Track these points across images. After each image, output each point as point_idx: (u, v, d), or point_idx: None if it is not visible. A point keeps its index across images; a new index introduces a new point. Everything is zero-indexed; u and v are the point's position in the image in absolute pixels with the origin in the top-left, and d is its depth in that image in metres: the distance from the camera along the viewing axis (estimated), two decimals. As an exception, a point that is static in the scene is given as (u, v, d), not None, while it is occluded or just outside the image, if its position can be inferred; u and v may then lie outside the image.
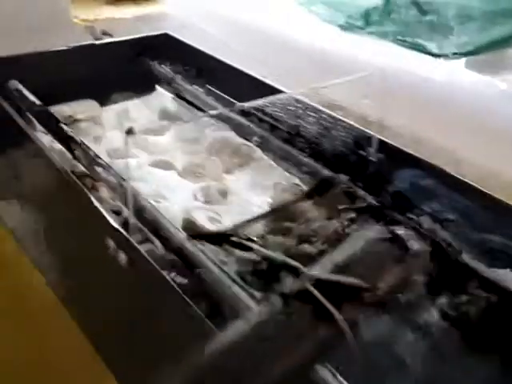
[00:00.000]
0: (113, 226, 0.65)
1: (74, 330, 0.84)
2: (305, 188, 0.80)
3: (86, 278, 0.80)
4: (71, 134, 0.91)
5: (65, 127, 0.91)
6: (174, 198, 0.79)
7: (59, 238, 0.88)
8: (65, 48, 1.13)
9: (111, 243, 0.65)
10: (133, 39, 1.19)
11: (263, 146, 0.86)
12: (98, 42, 1.15)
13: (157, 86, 1.17)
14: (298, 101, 0.76)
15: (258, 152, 0.87)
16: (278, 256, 0.55)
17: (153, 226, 0.69)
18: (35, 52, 1.11)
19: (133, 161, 0.90)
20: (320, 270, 0.50)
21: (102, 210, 0.68)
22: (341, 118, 0.78)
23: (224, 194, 0.80)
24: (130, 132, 0.59)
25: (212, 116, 0.89)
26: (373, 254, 0.54)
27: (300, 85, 0.75)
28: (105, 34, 1.29)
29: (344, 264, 0.51)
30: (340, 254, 0.53)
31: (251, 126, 0.86)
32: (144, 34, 1.20)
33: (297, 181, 0.81)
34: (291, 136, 0.80)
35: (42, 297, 0.91)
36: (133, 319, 0.66)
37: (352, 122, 0.77)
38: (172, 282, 0.55)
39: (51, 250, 0.93)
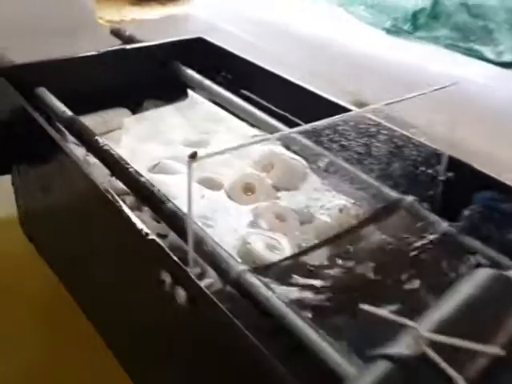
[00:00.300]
0: (169, 258, 0.58)
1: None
2: (367, 210, 0.73)
3: (131, 319, 0.74)
4: (107, 147, 0.84)
5: (100, 139, 0.85)
6: (225, 221, 0.72)
7: (98, 269, 0.81)
8: (94, 53, 1.06)
9: (166, 277, 0.58)
10: (165, 43, 1.12)
11: (320, 163, 0.79)
12: (128, 47, 1.08)
13: (191, 93, 1.10)
14: (365, 118, 0.69)
15: (314, 169, 0.80)
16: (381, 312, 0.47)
17: (210, 257, 0.62)
18: (63, 58, 1.04)
19: (175, 178, 0.83)
20: (434, 327, 0.43)
21: (154, 237, 0.62)
22: (412, 136, 0.71)
23: (280, 216, 0.73)
24: (193, 157, 0.52)
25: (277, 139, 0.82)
26: (489, 305, 0.46)
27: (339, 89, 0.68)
28: (131, 38, 1.22)
29: (458, 318, 0.44)
30: (449, 306, 0.46)
31: (308, 143, 0.79)
32: (177, 38, 1.13)
33: (359, 203, 0.74)
34: (353, 155, 0.73)
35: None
36: (193, 365, 0.60)
37: (425, 141, 0.70)
38: (255, 341, 0.48)
39: (89, 282, 0.86)
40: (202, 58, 1.13)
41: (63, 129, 0.92)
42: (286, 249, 0.68)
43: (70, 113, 0.92)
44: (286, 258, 0.65)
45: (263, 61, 1.07)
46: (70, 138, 0.93)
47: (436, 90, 0.65)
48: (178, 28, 1.38)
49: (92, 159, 0.87)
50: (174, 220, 0.69)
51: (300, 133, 0.67)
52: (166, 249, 0.58)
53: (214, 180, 0.81)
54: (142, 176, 0.77)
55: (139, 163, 0.87)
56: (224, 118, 1.05)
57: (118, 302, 0.77)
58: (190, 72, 1.10)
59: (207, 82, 1.06)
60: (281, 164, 0.80)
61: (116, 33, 1.29)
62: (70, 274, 0.95)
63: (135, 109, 1.10)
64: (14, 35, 1.26)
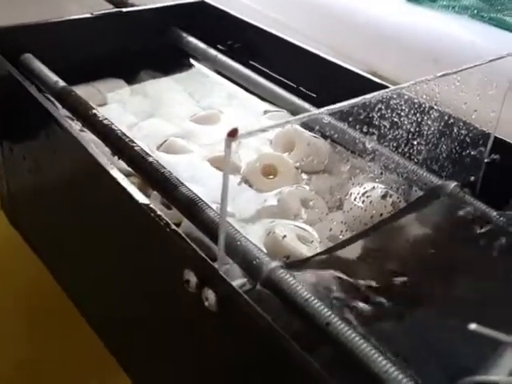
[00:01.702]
0: (195, 254, 0.50)
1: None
2: (405, 197, 0.66)
3: (143, 325, 0.66)
4: (107, 121, 0.75)
5: (98, 113, 0.75)
6: (245, 209, 0.64)
7: (100, 263, 0.73)
8: (87, 16, 0.95)
9: (191, 277, 0.50)
10: (164, 7, 1.02)
11: (349, 144, 0.71)
12: (125, 10, 0.98)
13: (193, 62, 1.01)
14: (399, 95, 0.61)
15: (339, 149, 0.72)
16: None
17: (237, 253, 0.54)
18: (51, 21, 0.93)
19: (184, 157, 0.74)
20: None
21: (176, 228, 0.53)
22: (454, 115, 0.64)
23: (307, 203, 0.65)
24: (233, 134, 0.43)
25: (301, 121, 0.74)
26: None
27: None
28: (124, 1, 1.12)
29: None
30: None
31: (334, 122, 0.71)
32: (177, 1, 1.03)
33: (394, 190, 0.66)
34: (388, 136, 0.65)
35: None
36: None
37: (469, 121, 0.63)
38: (298, 349, 0.41)
39: (89, 278, 0.78)
40: (205, 24, 1.03)
41: (55, 100, 0.83)
42: (317, 240, 0.61)
43: (62, 83, 0.82)
44: (321, 252, 0.57)
45: (274, 27, 0.98)
46: (63, 111, 0.83)
47: (491, 61, 0.57)
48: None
49: (89, 135, 0.78)
50: (189, 207, 0.61)
51: (331, 113, 0.59)
52: (192, 243, 0.50)
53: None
54: (149, 156, 0.68)
55: (142, 141, 0.78)
56: (231, 91, 0.96)
57: (126, 303, 0.69)
58: (192, 40, 1.00)
59: (212, 51, 0.96)
60: (303, 143, 0.72)
61: (107, -5, 1.19)
62: (63, 266, 0.87)
63: (131, 80, 1.00)
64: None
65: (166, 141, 0.76)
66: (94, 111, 0.75)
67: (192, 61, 1.02)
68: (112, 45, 0.98)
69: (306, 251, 0.58)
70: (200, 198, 0.60)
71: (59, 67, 0.88)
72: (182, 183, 0.63)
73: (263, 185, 0.68)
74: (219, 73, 0.98)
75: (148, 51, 1.01)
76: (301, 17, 1.13)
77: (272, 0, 1.18)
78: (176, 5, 1.03)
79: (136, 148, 0.69)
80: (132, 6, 1.11)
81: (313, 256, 0.57)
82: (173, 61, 1.01)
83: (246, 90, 0.93)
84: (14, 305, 0.92)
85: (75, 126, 0.78)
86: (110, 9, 1.04)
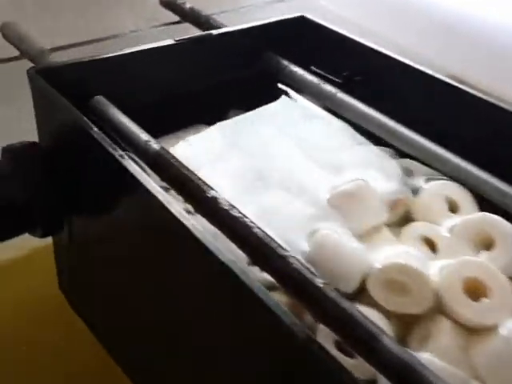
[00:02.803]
0: None
1: None
2: None
3: None
4: (223, 201, 0.55)
5: (220, 197, 0.55)
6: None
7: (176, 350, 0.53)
8: (167, 43, 0.75)
9: None
10: (258, 27, 0.81)
11: None
12: (214, 33, 0.77)
13: (295, 96, 0.80)
14: None
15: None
16: None
17: None
18: (123, 53, 0.72)
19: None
20: None
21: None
22: None
23: None
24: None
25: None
26: None
27: None
28: (194, 12, 0.90)
29: None
30: None
31: None
32: (270, 19, 0.82)
33: None
34: None
35: None
36: None
37: None
38: None
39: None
40: (307, 47, 0.82)
41: (144, 165, 0.62)
42: None
43: (155, 145, 0.61)
44: None
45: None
46: (153, 178, 0.63)
47: None
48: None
49: (199, 219, 0.58)
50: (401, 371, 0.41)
51: None
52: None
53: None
54: (310, 273, 0.48)
55: (271, 229, 0.58)
56: (358, 141, 0.76)
57: None
58: (297, 70, 0.79)
59: (327, 88, 0.75)
60: (508, 242, 0.53)
61: (168, 3, 0.98)
62: (122, 346, 0.68)
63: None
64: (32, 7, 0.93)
65: (315, 232, 0.56)
66: (211, 193, 0.55)
67: (292, 93, 0.81)
68: (195, 77, 0.78)
69: None
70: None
71: (133, 108, 0.69)
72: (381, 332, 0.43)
73: (468, 310, 0.48)
74: (328, 109, 0.77)
75: (238, 83, 0.80)
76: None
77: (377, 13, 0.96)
78: (269, 23, 0.82)
79: (284, 254, 0.50)
80: (200, 16, 0.91)
81: None
82: (269, 96, 0.80)
83: (374, 138, 0.73)
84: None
85: (178, 205, 0.58)
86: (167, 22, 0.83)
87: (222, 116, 0.78)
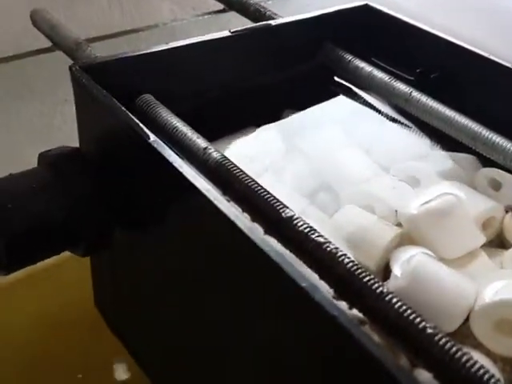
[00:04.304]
0: None
1: None
2: None
3: None
4: (291, 213, 0.47)
5: (295, 216, 0.47)
6: None
7: None
8: (222, 35, 0.67)
9: None
10: (316, 17, 0.72)
11: None
12: (275, 23, 0.69)
13: (360, 93, 0.72)
14: None
15: None
16: None
17: None
18: (172, 46, 0.64)
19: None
20: None
21: None
22: None
23: None
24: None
25: None
26: None
27: None
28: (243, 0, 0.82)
29: None
30: None
31: None
32: (331, 8, 0.74)
33: None
34: None
35: None
36: None
37: None
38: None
39: None
40: (373, 39, 0.74)
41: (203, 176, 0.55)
42: None
43: (216, 153, 0.54)
44: None
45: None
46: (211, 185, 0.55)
47: None
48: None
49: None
50: None
51: None
52: None
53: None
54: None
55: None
56: (418, 137, 0.68)
57: None
58: (359, 64, 0.72)
59: (400, 87, 0.67)
60: None
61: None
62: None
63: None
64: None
65: (414, 257, 0.48)
66: (287, 212, 0.47)
67: (357, 90, 0.73)
68: (245, 73, 0.70)
69: None
70: None
71: (183, 109, 0.61)
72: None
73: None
74: (404, 114, 0.69)
75: (294, 79, 0.72)
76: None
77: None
78: (333, 12, 0.73)
79: (382, 291, 0.42)
80: (244, 2, 0.83)
81: None
82: (326, 94, 0.72)
83: (452, 143, 0.65)
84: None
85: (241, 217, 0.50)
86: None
87: (275, 115, 0.70)
